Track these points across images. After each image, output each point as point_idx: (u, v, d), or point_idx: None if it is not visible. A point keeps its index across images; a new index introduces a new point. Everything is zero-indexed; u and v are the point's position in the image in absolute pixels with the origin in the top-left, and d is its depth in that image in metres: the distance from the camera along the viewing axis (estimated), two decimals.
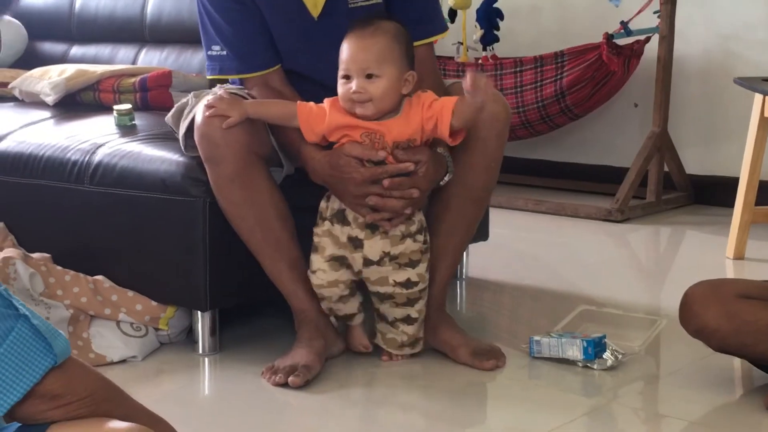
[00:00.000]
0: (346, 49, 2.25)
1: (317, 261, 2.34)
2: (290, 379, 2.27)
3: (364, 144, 2.25)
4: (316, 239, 2.34)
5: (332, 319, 2.44)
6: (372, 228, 2.29)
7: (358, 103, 2.23)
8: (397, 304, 2.37)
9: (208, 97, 2.35)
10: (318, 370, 2.34)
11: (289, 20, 2.45)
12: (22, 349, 1.24)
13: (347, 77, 2.24)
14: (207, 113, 2.29)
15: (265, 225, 2.36)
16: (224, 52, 2.45)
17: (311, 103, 2.30)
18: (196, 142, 2.35)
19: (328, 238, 2.32)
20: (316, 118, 2.28)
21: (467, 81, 2.17)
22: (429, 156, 2.28)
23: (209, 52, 2.48)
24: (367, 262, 2.31)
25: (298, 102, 2.31)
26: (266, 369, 2.35)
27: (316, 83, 2.45)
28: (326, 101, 2.30)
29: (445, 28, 2.57)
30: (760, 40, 4.10)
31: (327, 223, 2.32)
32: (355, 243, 2.31)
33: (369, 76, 2.22)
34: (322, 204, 2.35)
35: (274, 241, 2.38)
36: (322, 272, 2.34)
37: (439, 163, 2.33)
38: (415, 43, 2.37)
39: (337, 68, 2.28)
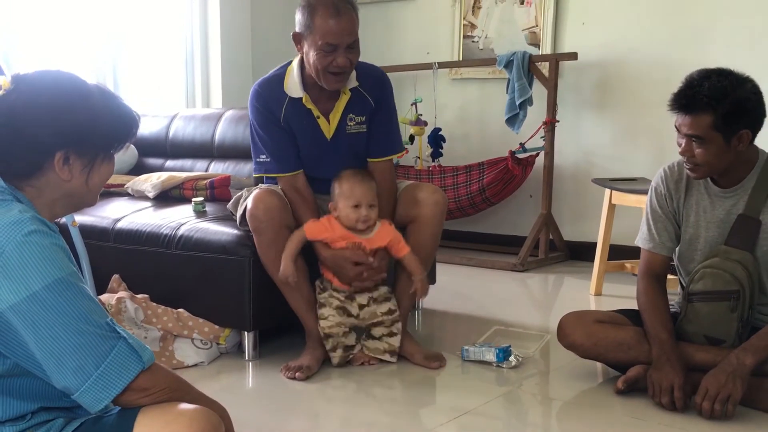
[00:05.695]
0: (357, 189, 2.30)
1: (327, 311, 2.34)
2: (297, 374, 2.27)
3: (358, 252, 2.30)
4: (322, 300, 2.36)
5: (337, 353, 2.37)
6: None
7: (362, 222, 2.30)
8: (386, 325, 2.37)
9: (255, 191, 2.36)
10: (316, 369, 2.34)
11: (312, 138, 2.42)
12: (121, 359, 1.22)
13: (357, 206, 2.29)
14: (286, 277, 2.30)
15: None
16: (269, 159, 2.41)
17: (316, 221, 2.33)
18: (247, 219, 2.34)
19: (331, 298, 2.36)
20: (321, 228, 2.32)
21: (419, 292, 2.37)
22: (387, 258, 2.36)
23: (258, 159, 2.44)
24: (361, 307, 2.35)
25: (304, 226, 2.33)
26: (283, 367, 2.33)
27: (323, 181, 2.44)
28: (324, 219, 2.33)
29: (402, 149, 2.53)
30: (607, 154, 4.15)
31: (327, 292, 2.37)
32: (351, 297, 2.36)
33: (370, 206, 2.31)
34: (317, 283, 2.39)
35: (296, 285, 2.36)
36: (332, 317, 2.34)
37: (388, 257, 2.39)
38: (379, 159, 2.44)
39: (335, 170, 2.36)
